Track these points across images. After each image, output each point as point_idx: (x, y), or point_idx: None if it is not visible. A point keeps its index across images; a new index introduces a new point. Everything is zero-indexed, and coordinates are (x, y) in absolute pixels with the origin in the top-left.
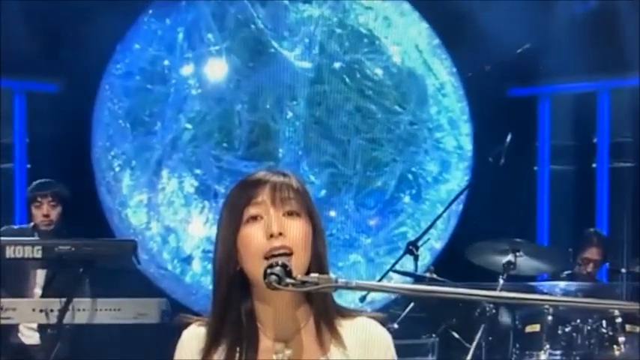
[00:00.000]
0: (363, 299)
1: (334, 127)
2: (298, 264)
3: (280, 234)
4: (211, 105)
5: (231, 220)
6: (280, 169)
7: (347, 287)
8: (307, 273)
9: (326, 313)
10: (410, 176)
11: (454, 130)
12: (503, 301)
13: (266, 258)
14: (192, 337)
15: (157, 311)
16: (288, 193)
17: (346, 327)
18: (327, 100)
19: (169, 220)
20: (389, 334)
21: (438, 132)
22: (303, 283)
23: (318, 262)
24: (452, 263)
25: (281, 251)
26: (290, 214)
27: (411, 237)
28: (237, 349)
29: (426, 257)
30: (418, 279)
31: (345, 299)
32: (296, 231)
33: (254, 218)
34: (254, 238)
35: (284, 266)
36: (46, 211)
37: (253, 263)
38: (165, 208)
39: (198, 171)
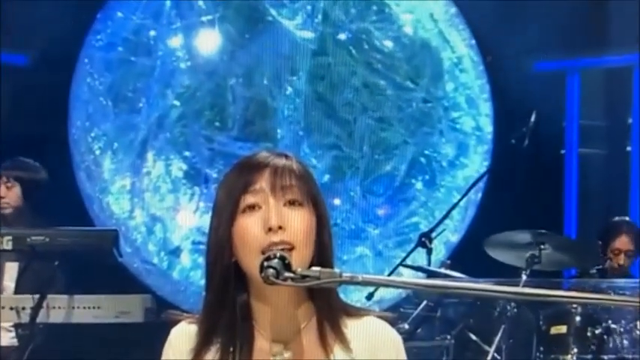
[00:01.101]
0: (370, 297)
1: (339, 105)
2: (299, 260)
3: (280, 228)
4: (202, 79)
5: (227, 207)
6: (281, 150)
7: (352, 282)
8: (310, 267)
9: (330, 312)
10: (423, 160)
11: (472, 110)
12: (522, 298)
13: (263, 253)
14: (182, 336)
15: (140, 309)
16: (290, 180)
17: (352, 327)
18: (330, 74)
19: (155, 208)
20: (399, 335)
21: (455, 111)
22: (304, 277)
23: (321, 256)
24: (469, 257)
25: (280, 247)
26: (292, 203)
27: (424, 228)
28: (231, 349)
29: (440, 251)
30: (431, 275)
31: (351, 298)
32: (297, 224)
33: (251, 207)
34: (251, 230)
35: (282, 259)
36: (1, 193)
37: (249, 257)
38: (150, 195)
39: (187, 153)
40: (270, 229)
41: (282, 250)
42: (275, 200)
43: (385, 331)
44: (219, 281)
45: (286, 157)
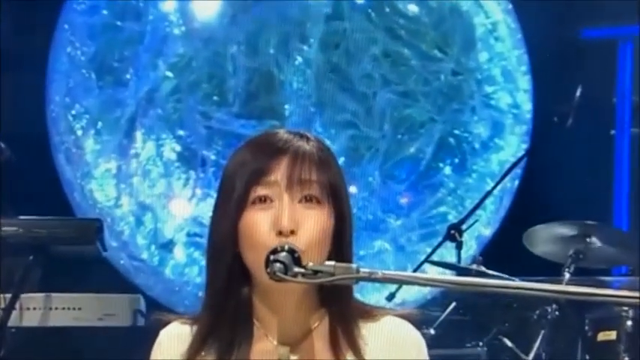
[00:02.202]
0: (391, 298)
1: (355, 77)
2: (310, 261)
3: (292, 232)
4: (198, 47)
5: (234, 196)
6: (302, 130)
7: (371, 279)
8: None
9: (343, 312)
10: (452, 141)
11: (509, 84)
12: (564, 296)
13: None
14: (173, 338)
15: (128, 311)
16: (310, 173)
17: (368, 330)
18: (346, 41)
19: (145, 195)
20: (420, 336)
21: (489, 85)
22: (316, 273)
23: (338, 252)
24: (505, 253)
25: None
26: (309, 199)
27: (453, 219)
28: (230, 351)
29: (471, 245)
30: (461, 273)
31: (369, 299)
32: (312, 227)
33: (263, 200)
34: (259, 229)
35: (291, 252)
36: None
37: (254, 255)
38: (139, 180)
39: (181, 132)
40: (280, 232)
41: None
42: (290, 197)
43: (404, 330)
44: (221, 277)
45: (308, 139)
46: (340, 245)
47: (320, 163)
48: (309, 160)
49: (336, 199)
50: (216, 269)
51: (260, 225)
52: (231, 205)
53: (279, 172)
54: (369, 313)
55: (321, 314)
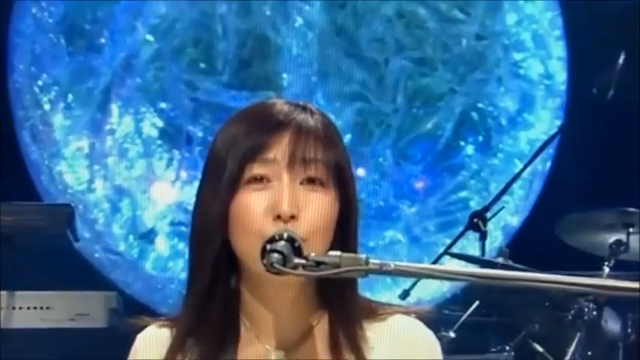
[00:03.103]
0: (405, 296)
1: (364, 42)
2: (312, 252)
3: (293, 217)
4: (183, 7)
5: (226, 174)
6: (303, 101)
7: (382, 271)
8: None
9: (345, 310)
10: (475, 116)
11: (541, 50)
12: (598, 291)
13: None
14: (151, 343)
15: (103, 310)
16: (315, 151)
17: (374, 330)
18: (354, 0)
19: (122, 177)
20: (433, 335)
21: (518, 52)
22: (319, 264)
23: (343, 242)
24: (535, 245)
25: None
26: (311, 181)
27: (476, 206)
28: (215, 354)
29: (497, 236)
30: (485, 267)
31: (379, 298)
32: (316, 213)
33: (259, 180)
34: (253, 213)
35: (291, 240)
36: None
37: (248, 244)
38: (115, 161)
39: (163, 105)
40: (278, 217)
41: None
42: (291, 178)
43: (415, 329)
44: (206, 269)
45: (311, 112)
46: (345, 234)
47: (326, 141)
48: (313, 136)
49: (342, 181)
50: (200, 259)
51: (255, 208)
52: (221, 184)
53: (280, 149)
54: (375, 311)
55: (321, 313)
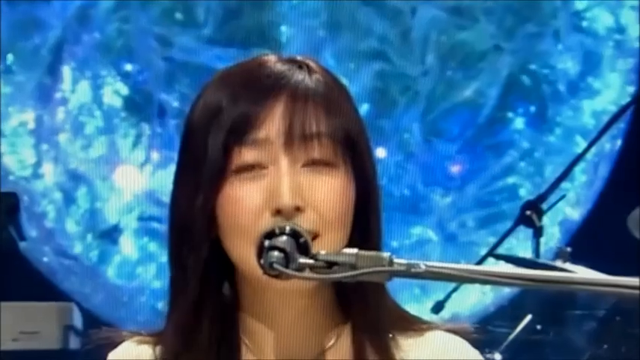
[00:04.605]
0: (438, 309)
1: None
2: (325, 249)
3: (297, 209)
4: None
5: (207, 160)
6: (301, 56)
7: (410, 274)
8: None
9: (373, 322)
10: (526, 80)
11: None
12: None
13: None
14: None
15: (55, 327)
16: (318, 122)
17: (408, 347)
18: None
19: (77, 160)
20: (480, 357)
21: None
22: (330, 265)
23: (363, 235)
24: (601, 244)
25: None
26: (315, 163)
27: (528, 195)
28: None
29: (554, 233)
30: (540, 270)
31: None
32: (326, 199)
33: (249, 169)
34: (247, 210)
35: (295, 235)
36: None
37: (243, 249)
38: (68, 139)
39: (128, 67)
40: (278, 211)
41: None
42: (290, 160)
43: (458, 348)
44: (194, 280)
45: (309, 70)
46: (365, 226)
47: (329, 106)
48: (312, 102)
49: (356, 157)
50: (184, 268)
51: (248, 202)
52: (203, 174)
53: (272, 125)
54: (411, 323)
55: (341, 325)
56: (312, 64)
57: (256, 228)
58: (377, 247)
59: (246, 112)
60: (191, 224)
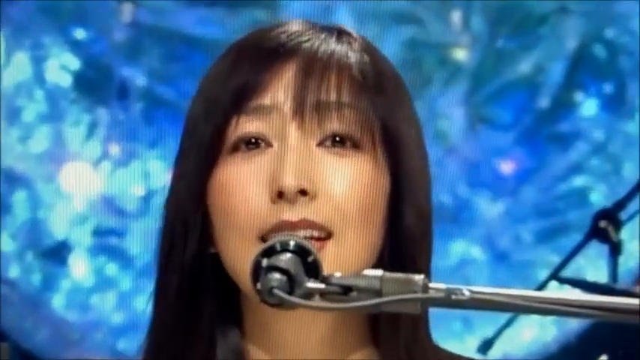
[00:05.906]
0: (486, 348)
1: None
2: (342, 258)
3: (303, 193)
4: None
5: (200, 140)
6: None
7: (450, 302)
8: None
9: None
10: (599, 53)
11: None
12: None
13: (264, 240)
14: None
15: None
16: (340, 91)
17: None
18: None
19: (12, 156)
20: None
21: None
22: (347, 291)
23: (399, 247)
24: None
25: (301, 233)
26: (336, 142)
27: (602, 201)
28: None
29: (634, 250)
30: (618, 297)
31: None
32: (347, 190)
33: (251, 144)
34: (243, 193)
35: (302, 252)
36: None
37: (236, 249)
38: (5, 126)
39: (80, 33)
40: (280, 195)
41: (305, 238)
42: (301, 134)
43: None
44: (180, 299)
45: (339, 34)
46: (402, 233)
47: (362, 74)
48: (337, 65)
49: (395, 145)
50: (168, 281)
51: (244, 186)
52: (197, 153)
53: (280, 89)
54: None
55: (369, 350)
56: (351, 31)
57: (252, 222)
58: (421, 269)
59: (249, 76)
60: (178, 223)
